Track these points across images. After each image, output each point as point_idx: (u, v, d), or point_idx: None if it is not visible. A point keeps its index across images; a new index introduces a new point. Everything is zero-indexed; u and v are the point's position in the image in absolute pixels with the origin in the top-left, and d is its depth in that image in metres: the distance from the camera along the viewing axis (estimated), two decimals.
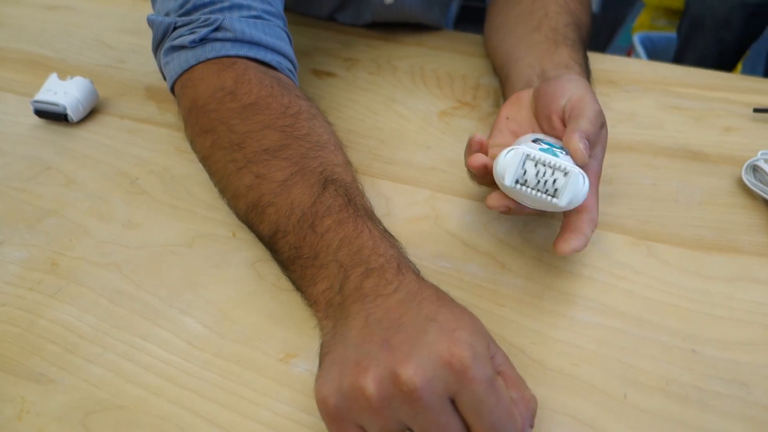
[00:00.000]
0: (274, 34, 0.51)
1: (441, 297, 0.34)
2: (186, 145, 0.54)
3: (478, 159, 0.40)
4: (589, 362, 0.37)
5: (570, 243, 0.38)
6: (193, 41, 0.47)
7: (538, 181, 0.36)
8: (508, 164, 0.37)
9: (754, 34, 1.35)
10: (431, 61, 0.67)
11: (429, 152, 0.54)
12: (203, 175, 0.50)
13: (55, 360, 0.37)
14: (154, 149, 0.54)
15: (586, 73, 0.51)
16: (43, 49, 0.70)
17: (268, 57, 0.49)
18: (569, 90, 0.43)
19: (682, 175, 0.51)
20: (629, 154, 0.53)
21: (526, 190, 0.37)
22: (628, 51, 2.10)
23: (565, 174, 0.36)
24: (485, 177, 0.41)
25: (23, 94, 0.62)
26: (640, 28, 2.10)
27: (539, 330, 0.39)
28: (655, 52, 1.88)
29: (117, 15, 0.76)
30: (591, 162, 0.42)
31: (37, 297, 0.41)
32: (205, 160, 0.46)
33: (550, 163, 0.36)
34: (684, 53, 1.43)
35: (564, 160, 0.37)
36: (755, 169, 0.49)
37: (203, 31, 0.47)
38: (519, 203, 0.39)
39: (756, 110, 0.57)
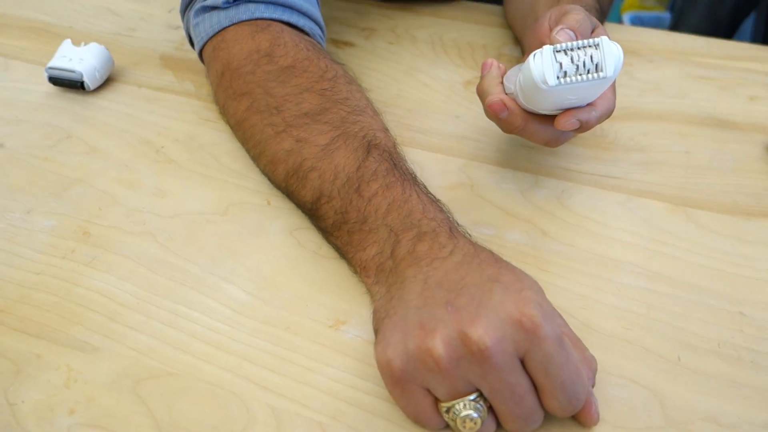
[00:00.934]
0: None
1: (498, 259, 0.33)
2: (211, 114, 0.53)
3: (494, 96, 0.40)
4: (640, 326, 0.37)
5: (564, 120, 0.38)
6: (227, 2, 0.46)
7: (578, 67, 0.35)
8: (543, 65, 0.35)
9: (746, 11, 1.36)
10: (450, 30, 0.66)
11: (458, 121, 0.53)
12: (231, 144, 0.49)
13: (98, 328, 0.36)
14: (176, 117, 0.53)
15: (597, 14, 0.50)
16: (47, 17, 0.67)
17: (301, 22, 0.48)
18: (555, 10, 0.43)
19: (712, 143, 0.51)
20: (658, 122, 0.53)
21: (571, 81, 0.35)
22: None
23: (597, 46, 0.35)
24: (505, 119, 0.40)
25: (31, 62, 0.60)
26: (629, 8, 2.10)
27: (587, 294, 0.39)
28: None
29: None
30: None
31: (72, 265, 0.40)
32: (240, 125, 0.45)
33: (578, 45, 0.35)
34: (677, 30, 1.44)
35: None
36: None
37: None
38: (570, 108, 0.38)
39: None
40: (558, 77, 0.35)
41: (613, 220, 0.44)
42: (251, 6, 0.46)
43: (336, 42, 0.64)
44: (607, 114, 0.40)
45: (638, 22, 1.94)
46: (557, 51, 0.35)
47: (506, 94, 0.40)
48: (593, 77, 0.35)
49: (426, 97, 0.56)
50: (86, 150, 0.49)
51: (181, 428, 0.32)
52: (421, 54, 0.62)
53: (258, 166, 0.45)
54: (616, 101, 0.44)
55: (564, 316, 0.37)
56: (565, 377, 0.29)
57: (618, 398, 0.33)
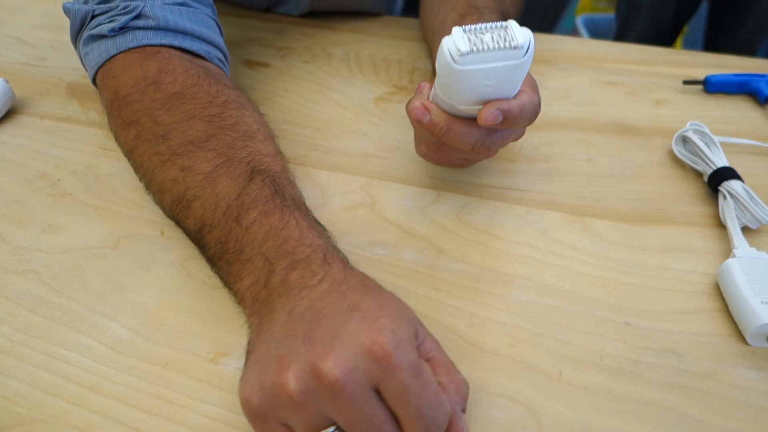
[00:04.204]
0: (201, 22, 0.49)
1: (367, 285, 0.33)
2: (111, 143, 0.52)
3: (416, 101, 0.39)
4: (525, 342, 0.37)
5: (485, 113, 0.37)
6: (113, 30, 0.45)
7: (489, 42, 0.34)
8: (453, 41, 0.35)
9: (689, 12, 1.38)
10: (367, 47, 0.65)
11: (365, 139, 0.53)
12: (129, 173, 0.48)
13: None
14: (76, 149, 0.52)
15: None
16: None
17: (195, 46, 0.47)
18: None
19: (615, 150, 0.51)
20: (565, 131, 0.53)
21: (484, 49, 0.34)
22: (573, 34, 2.13)
23: (505, 28, 0.35)
24: (428, 123, 0.40)
25: None
26: (583, 10, 2.13)
27: (476, 312, 0.38)
28: (598, 33, 1.91)
29: (36, 11, 0.72)
30: None
31: None
32: (130, 154, 0.44)
33: (486, 26, 0.35)
34: (624, 34, 1.46)
35: None
36: (684, 139, 0.49)
37: (123, 19, 0.45)
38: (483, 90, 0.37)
39: (685, 82, 0.58)
40: (471, 49, 0.34)
41: (512, 233, 0.44)
42: (139, 33, 0.46)
43: (250, 63, 0.63)
44: (531, 108, 0.39)
45: (591, 24, 1.97)
46: (466, 30, 0.35)
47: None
48: (505, 47, 0.34)
49: (336, 116, 0.56)
50: None
51: None
52: (335, 72, 0.62)
53: (149, 195, 0.44)
54: None
55: (450, 336, 0.37)
56: (422, 405, 0.28)
57: (496, 418, 0.33)
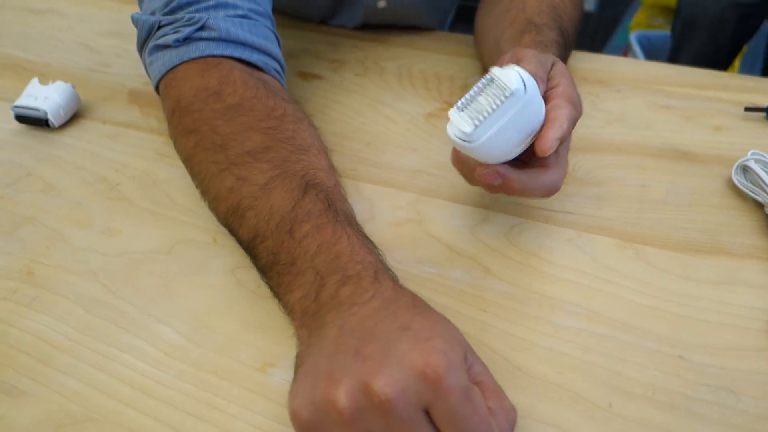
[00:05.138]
0: (261, 33, 0.50)
1: (417, 304, 0.33)
2: (168, 150, 0.53)
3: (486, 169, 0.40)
4: (573, 370, 0.36)
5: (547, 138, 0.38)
6: (177, 40, 0.46)
7: (487, 100, 0.36)
8: (455, 125, 0.36)
9: (748, 33, 1.34)
10: (419, 62, 0.66)
11: (415, 155, 0.53)
12: (184, 180, 0.50)
13: (28, 371, 0.37)
14: (135, 154, 0.53)
15: (559, 48, 0.51)
16: (26, 54, 0.69)
17: (254, 57, 0.49)
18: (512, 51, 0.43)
19: (671, 176, 0.50)
20: (618, 155, 0.52)
21: (490, 119, 0.35)
22: (625, 50, 2.09)
23: (491, 81, 0.36)
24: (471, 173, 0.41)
25: (4, 99, 0.61)
26: (637, 26, 2.09)
27: (523, 336, 0.38)
28: (652, 51, 1.87)
29: (102, 18, 0.75)
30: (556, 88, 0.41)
31: (12, 306, 0.40)
32: (188, 161, 0.45)
33: (473, 92, 0.36)
34: (679, 53, 1.43)
35: None
36: (745, 169, 0.48)
37: (187, 30, 0.47)
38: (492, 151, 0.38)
39: (747, 109, 0.56)
40: (475, 125, 0.35)
41: (560, 257, 0.43)
42: (201, 44, 0.47)
43: (303, 75, 0.64)
44: (574, 116, 0.40)
45: (645, 41, 1.93)
46: (459, 108, 0.36)
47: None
48: (503, 101, 0.35)
49: (386, 130, 0.56)
50: (43, 188, 0.50)
51: None
52: (387, 86, 0.62)
53: (205, 202, 0.45)
54: (579, 131, 0.44)
55: (497, 360, 0.37)
56: (472, 429, 0.28)
57: None
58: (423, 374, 0.28)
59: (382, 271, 0.36)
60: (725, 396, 0.34)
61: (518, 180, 0.40)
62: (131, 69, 0.65)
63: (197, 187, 0.46)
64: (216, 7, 0.48)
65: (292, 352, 0.37)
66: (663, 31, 1.92)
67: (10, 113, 0.58)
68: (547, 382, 0.35)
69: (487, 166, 0.39)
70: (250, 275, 0.42)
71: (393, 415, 0.27)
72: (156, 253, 0.44)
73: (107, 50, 0.69)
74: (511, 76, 0.35)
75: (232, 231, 0.42)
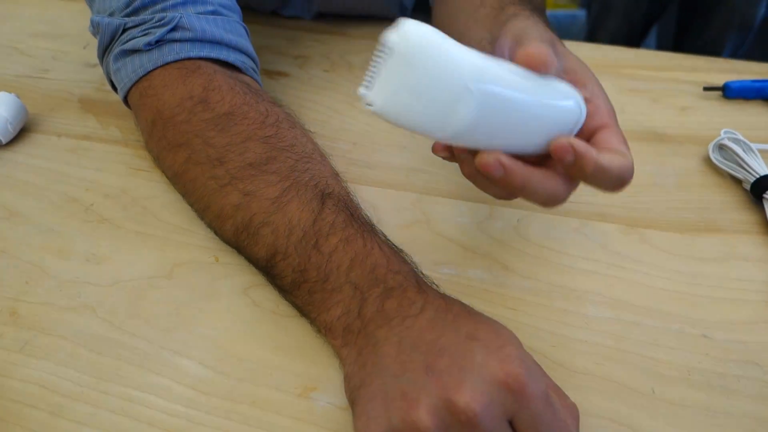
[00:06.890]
0: (234, 30, 0.47)
1: (471, 311, 0.32)
2: (141, 163, 0.49)
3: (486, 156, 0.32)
4: (612, 359, 0.37)
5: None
6: (149, 44, 0.42)
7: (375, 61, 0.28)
8: (364, 97, 0.29)
9: (659, 12, 1.43)
10: None
11: (405, 152, 0.52)
12: (169, 195, 0.46)
13: (40, 427, 0.33)
14: (103, 169, 0.49)
15: (542, 15, 0.45)
16: None
17: (232, 57, 0.45)
18: (509, 30, 0.37)
19: (652, 158, 0.52)
20: None
21: (380, 76, 0.28)
22: None
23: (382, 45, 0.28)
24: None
25: None
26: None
27: (555, 331, 0.38)
28: (561, 29, 1.95)
29: (29, 17, 0.68)
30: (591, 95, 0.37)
31: (2, 354, 0.36)
32: (178, 178, 0.42)
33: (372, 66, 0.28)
34: (595, 34, 1.50)
35: None
36: (721, 147, 0.51)
37: (159, 32, 0.43)
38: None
39: (706, 88, 0.59)
40: (366, 85, 0.29)
41: (571, 247, 0.44)
42: (176, 45, 0.43)
43: (269, 72, 0.61)
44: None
45: (554, 20, 1.99)
46: (366, 82, 0.29)
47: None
48: (382, 55, 0.28)
49: (369, 128, 0.55)
50: (4, 215, 0.45)
51: None
52: (357, 81, 0.60)
53: (203, 220, 0.42)
54: None
55: (537, 357, 0.37)
56: None
57: None
58: (506, 384, 0.27)
59: (421, 279, 0.35)
60: (753, 369, 0.36)
61: (521, 174, 0.33)
62: (74, 74, 0.60)
63: (192, 204, 0.42)
64: (184, 3, 0.45)
65: (334, 374, 0.35)
66: (569, 10, 1.99)
67: None
68: (590, 374, 0.36)
69: (490, 153, 0.32)
70: (266, 294, 0.39)
71: (480, 430, 0.27)
72: (155, 279, 0.40)
73: (42, 53, 0.62)
74: (394, 29, 0.27)
75: (244, 250, 0.39)
